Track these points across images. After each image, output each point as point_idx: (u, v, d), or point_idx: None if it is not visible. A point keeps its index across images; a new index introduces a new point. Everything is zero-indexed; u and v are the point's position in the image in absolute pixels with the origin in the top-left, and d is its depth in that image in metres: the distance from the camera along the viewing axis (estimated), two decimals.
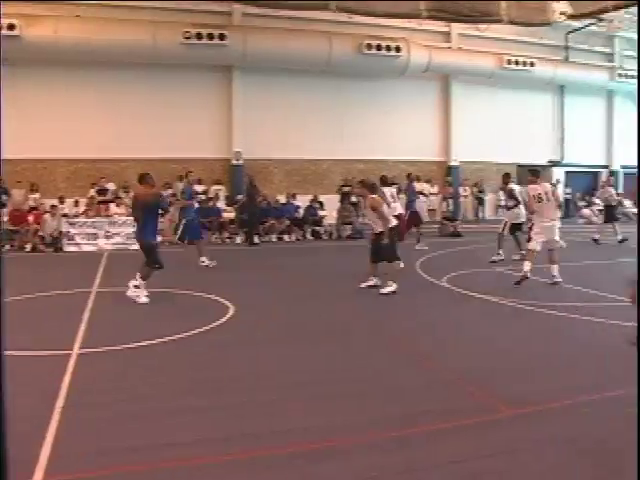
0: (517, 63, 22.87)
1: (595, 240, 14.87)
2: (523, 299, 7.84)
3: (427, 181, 21.96)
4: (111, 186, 17.07)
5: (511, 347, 5.76)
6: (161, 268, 7.84)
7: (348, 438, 3.75)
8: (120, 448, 3.60)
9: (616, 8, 20.09)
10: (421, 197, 19.59)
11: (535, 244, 9.13)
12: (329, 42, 19.16)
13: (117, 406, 4.17)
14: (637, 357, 3.40)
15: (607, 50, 26.37)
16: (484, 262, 11.33)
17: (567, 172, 26.02)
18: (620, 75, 25.08)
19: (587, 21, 23.54)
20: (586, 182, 27.18)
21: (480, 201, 23.40)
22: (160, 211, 7.82)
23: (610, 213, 15.71)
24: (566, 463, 3.49)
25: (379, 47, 19.70)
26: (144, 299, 7.70)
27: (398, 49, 20.03)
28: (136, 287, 7.77)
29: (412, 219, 13.92)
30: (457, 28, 22.69)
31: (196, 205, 12.23)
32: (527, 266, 8.93)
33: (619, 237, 14.80)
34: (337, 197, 18.59)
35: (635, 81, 25.03)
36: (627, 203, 25.23)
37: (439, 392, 4.59)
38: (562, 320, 6.90)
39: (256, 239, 15.47)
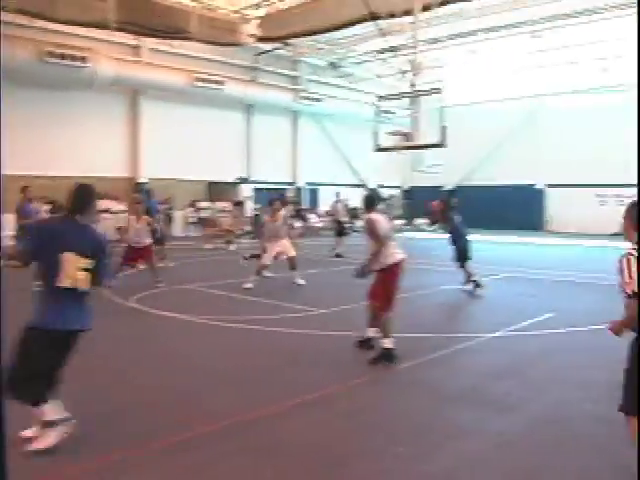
0: (208, 81, 24.96)
1: (337, 255, 17.60)
2: (215, 315, 8.85)
3: (114, 198, 22.42)
4: None
5: (203, 363, 6.58)
6: None
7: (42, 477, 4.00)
8: None
9: (304, 34, 24.46)
10: (107, 215, 20.71)
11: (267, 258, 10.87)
12: (10, 47, 18.13)
13: None
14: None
15: (292, 73, 30.68)
16: (176, 280, 12.49)
17: (256, 189, 29.45)
18: (303, 97, 29.47)
19: (275, 45, 27.48)
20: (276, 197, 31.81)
21: (169, 218, 25.45)
22: None
23: (339, 228, 18.99)
24: (266, 471, 4.19)
25: (63, 56, 19.41)
26: None
27: (84, 59, 20.08)
28: None
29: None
30: (148, 42, 23.68)
31: None
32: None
33: (337, 251, 17.86)
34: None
35: (318, 104, 30.46)
36: (312, 217, 30.49)
37: (131, 416, 5.07)
38: (254, 333, 7.98)
39: None
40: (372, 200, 7.33)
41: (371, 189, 28.83)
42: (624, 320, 3.76)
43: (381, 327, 6.94)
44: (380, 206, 7.66)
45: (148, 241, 11.85)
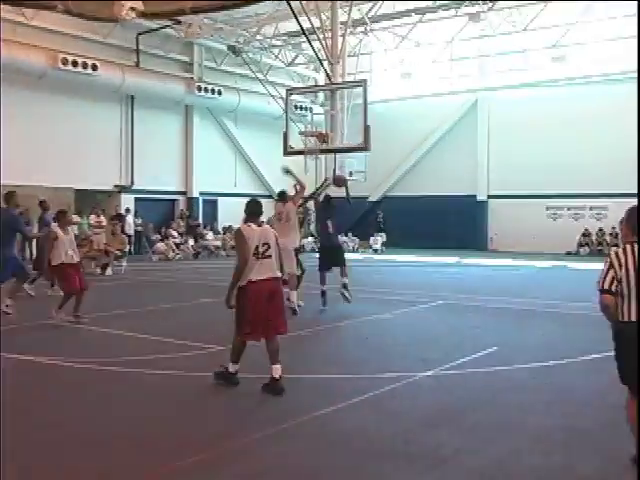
0: (77, 64, 24.52)
1: None
2: (83, 357, 8.67)
3: None
4: None
5: (57, 420, 6.35)
6: None
7: None
8: None
9: (195, 11, 24.34)
10: None
11: None
12: None
13: None
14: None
15: (184, 58, 30.62)
16: (39, 313, 12.31)
17: (138, 199, 29.01)
18: (199, 88, 29.40)
19: (162, 22, 27.12)
20: (161, 211, 31.19)
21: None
22: None
23: None
24: None
25: None
26: None
27: None
28: None
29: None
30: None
31: None
32: None
33: None
34: None
35: (216, 96, 30.32)
36: (208, 234, 30.21)
37: None
38: (136, 378, 7.89)
39: None
40: (252, 207, 7.82)
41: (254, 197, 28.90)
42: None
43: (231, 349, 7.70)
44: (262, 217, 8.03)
45: None
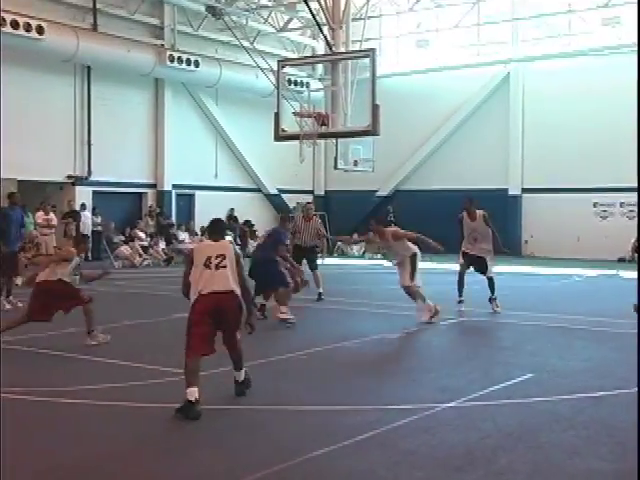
0: (17, 25, 24.23)
1: None
2: (28, 385, 8.56)
3: None
4: None
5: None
6: None
7: None
8: None
9: None
10: None
11: None
12: None
13: None
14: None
15: (153, 21, 30.64)
16: None
17: (97, 193, 29.00)
18: (172, 58, 29.22)
19: None
20: (126, 208, 31.03)
21: None
22: None
23: None
24: None
25: None
26: None
27: None
28: None
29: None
30: None
31: None
32: None
33: None
34: None
35: (192, 67, 29.92)
36: (183, 235, 30.19)
37: None
38: (87, 411, 7.89)
39: None
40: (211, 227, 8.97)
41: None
42: None
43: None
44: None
45: None
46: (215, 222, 8.95)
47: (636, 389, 8.97)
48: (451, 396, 8.60)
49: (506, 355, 11.26)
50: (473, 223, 15.63)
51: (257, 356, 10.08)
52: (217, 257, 8.21)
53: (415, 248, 14.30)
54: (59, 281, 11.75)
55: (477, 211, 15.96)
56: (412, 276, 13.83)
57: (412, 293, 13.81)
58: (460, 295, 15.83)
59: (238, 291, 8.33)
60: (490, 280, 15.51)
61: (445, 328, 13.77)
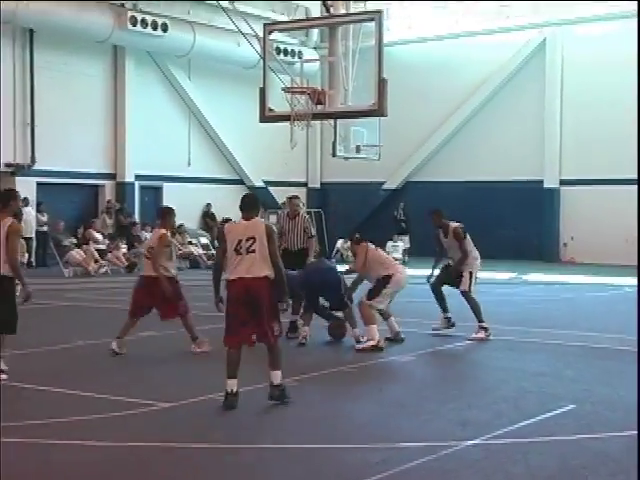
0: None
1: None
2: None
3: None
4: None
5: None
6: None
7: None
8: None
9: None
10: None
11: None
12: None
13: None
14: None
15: None
16: None
17: (42, 185, 29.00)
18: (134, 21, 29.21)
19: None
20: (78, 203, 31.10)
21: None
22: None
23: None
24: None
25: None
26: None
27: None
28: None
29: None
30: None
31: None
32: None
33: None
34: None
35: (159, 32, 29.78)
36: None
37: None
38: (37, 452, 7.79)
39: None
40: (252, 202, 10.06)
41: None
42: None
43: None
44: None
45: None
46: (247, 197, 10.21)
47: None
48: (474, 432, 8.60)
49: (541, 382, 11.24)
50: (447, 240, 15.40)
51: (255, 381, 10.17)
52: (247, 240, 9.52)
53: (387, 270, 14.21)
54: None
55: (451, 224, 15.56)
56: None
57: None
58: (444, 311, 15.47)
59: (271, 274, 9.58)
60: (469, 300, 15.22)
61: (464, 349, 13.77)
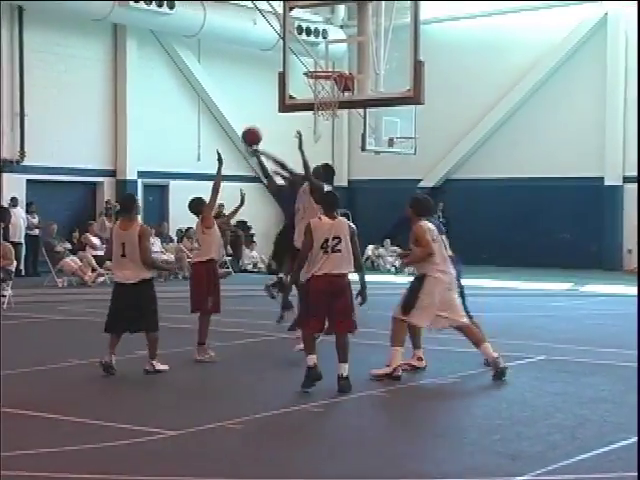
0: None
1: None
2: None
3: None
4: None
5: None
6: None
7: None
8: None
9: None
10: None
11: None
12: None
13: None
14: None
15: None
16: None
17: (32, 183, 29.26)
18: None
19: None
20: (74, 204, 31.27)
21: None
22: None
23: None
24: None
25: None
26: None
27: None
28: None
29: None
30: None
31: None
32: None
33: None
34: None
35: (165, 10, 30.36)
36: (152, 241, 30.25)
37: None
38: None
39: None
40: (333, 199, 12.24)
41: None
42: None
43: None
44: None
45: None
46: (330, 195, 12.51)
47: None
48: (525, 466, 8.54)
49: (600, 409, 11.15)
50: None
51: (259, 408, 10.16)
52: (334, 239, 11.61)
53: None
54: None
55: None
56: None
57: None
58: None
59: (351, 271, 11.93)
60: None
61: (514, 371, 13.71)
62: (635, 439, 9.60)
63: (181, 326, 16.84)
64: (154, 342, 13.22)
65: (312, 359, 11.62)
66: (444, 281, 13.01)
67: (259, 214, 34.00)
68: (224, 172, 33.49)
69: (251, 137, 17.49)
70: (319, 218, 11.94)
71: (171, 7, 30.10)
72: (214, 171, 32.65)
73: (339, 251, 11.60)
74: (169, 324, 15.77)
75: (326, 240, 11.57)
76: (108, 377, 12.94)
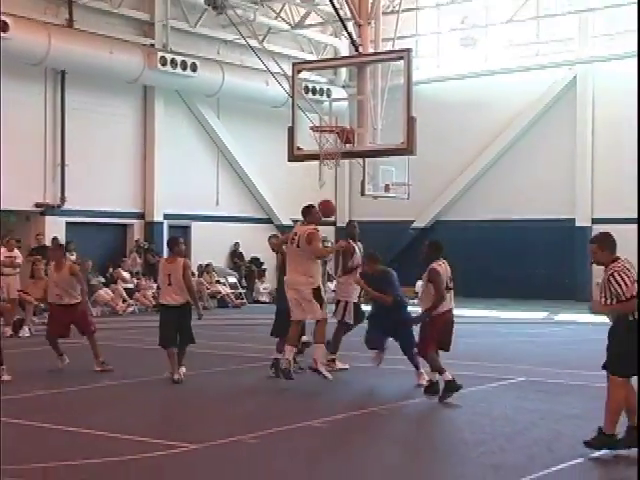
0: None
1: None
2: None
3: None
4: None
5: None
6: None
7: None
8: None
9: None
10: None
11: None
12: None
13: None
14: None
15: (141, 16, 30.92)
16: None
17: (71, 225, 28.96)
18: (164, 61, 29.24)
19: None
20: (107, 243, 31.03)
21: None
22: None
23: None
24: None
25: None
26: None
27: None
28: None
29: None
30: None
31: None
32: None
33: None
34: None
35: (189, 72, 30.49)
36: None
37: None
38: None
39: None
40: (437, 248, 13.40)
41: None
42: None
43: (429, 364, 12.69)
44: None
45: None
46: (436, 245, 13.57)
47: None
48: (506, 476, 8.53)
49: (574, 425, 11.14)
50: None
51: (270, 424, 10.10)
52: (450, 280, 12.96)
53: None
54: None
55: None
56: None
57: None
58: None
59: None
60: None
61: (493, 391, 13.69)
62: (603, 452, 9.58)
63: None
64: (185, 353, 14.42)
65: (447, 375, 12.21)
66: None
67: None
68: (240, 214, 33.47)
69: (326, 208, 16.50)
70: (439, 264, 12.94)
71: (194, 70, 30.22)
72: (231, 214, 32.78)
73: (452, 289, 13.01)
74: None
75: (446, 281, 12.81)
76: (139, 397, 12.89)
